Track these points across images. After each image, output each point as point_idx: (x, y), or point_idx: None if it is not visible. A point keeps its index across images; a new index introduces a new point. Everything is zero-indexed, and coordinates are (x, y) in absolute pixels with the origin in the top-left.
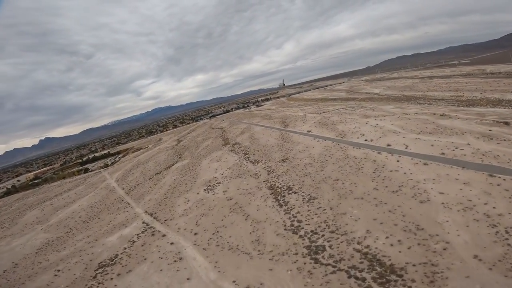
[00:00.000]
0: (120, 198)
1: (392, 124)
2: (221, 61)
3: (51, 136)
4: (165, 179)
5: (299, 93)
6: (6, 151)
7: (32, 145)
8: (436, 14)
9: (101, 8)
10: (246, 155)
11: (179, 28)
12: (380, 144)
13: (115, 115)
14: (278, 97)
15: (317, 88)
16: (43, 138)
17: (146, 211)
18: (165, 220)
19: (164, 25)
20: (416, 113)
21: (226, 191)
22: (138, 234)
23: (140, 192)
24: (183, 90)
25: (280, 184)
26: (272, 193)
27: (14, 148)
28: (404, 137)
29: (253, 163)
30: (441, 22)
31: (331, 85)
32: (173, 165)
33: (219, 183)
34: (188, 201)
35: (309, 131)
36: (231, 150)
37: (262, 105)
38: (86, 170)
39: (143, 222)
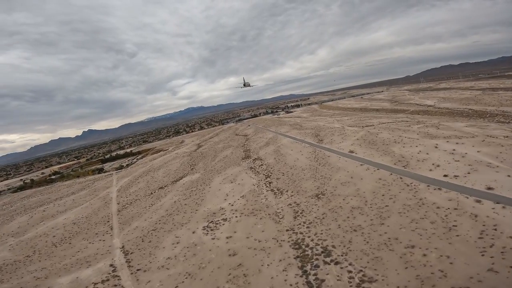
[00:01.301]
0: (107, 217)
1: (478, 151)
2: (253, 64)
3: (93, 128)
4: (166, 199)
5: (332, 100)
6: (51, 140)
7: (76, 136)
8: (489, 23)
9: (145, 8)
10: (268, 179)
11: (214, 30)
12: (473, 184)
13: (151, 112)
14: (309, 104)
15: (352, 96)
16: (86, 129)
17: (123, 246)
18: (137, 270)
19: (201, 27)
20: (507, 137)
21: (231, 237)
22: (95, 284)
23: (132, 213)
24: (215, 91)
25: (312, 240)
26: (298, 256)
27: (60, 137)
28: (509, 176)
29: (275, 192)
30: (494, 31)
31: (368, 93)
32: (181, 178)
33: (225, 219)
34: (178, 243)
35: (351, 152)
36: (251, 168)
37: (292, 112)
38: (101, 171)
39: (111, 265)
